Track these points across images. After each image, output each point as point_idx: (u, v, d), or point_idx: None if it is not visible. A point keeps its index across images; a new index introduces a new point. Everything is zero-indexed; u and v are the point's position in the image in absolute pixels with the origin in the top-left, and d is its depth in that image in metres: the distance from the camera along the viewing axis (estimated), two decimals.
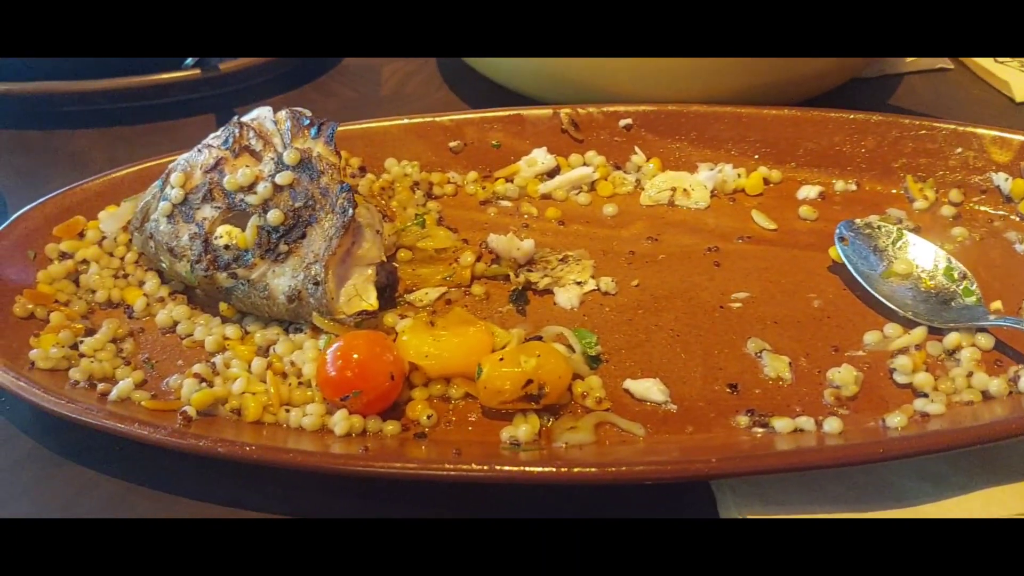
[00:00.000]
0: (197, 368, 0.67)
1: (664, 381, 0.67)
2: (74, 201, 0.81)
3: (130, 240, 0.79)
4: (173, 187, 0.75)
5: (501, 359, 0.63)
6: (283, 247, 0.70)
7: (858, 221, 0.79)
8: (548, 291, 0.77)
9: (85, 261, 0.78)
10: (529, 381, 0.62)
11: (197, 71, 1.02)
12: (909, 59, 1.10)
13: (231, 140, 0.75)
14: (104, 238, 0.80)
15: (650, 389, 0.66)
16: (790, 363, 0.68)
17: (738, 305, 0.75)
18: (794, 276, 0.78)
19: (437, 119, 0.92)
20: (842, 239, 0.78)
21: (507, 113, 0.92)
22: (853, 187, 0.88)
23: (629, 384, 0.67)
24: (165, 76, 1.02)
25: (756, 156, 0.90)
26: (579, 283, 0.77)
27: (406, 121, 0.91)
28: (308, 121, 0.75)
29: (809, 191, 0.87)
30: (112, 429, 0.61)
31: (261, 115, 0.77)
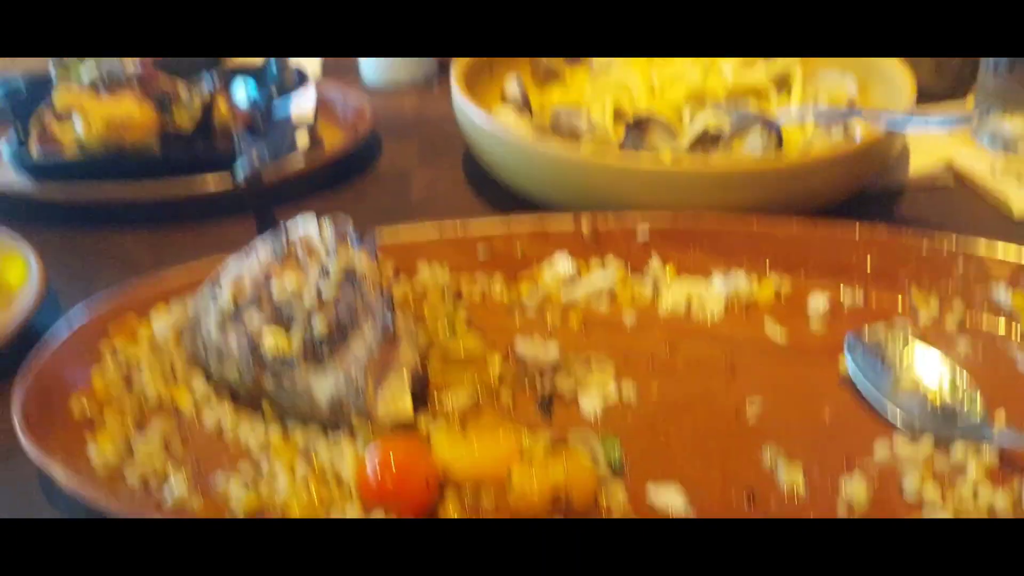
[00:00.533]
0: (242, 470, 0.71)
1: (684, 486, 0.70)
2: (127, 302, 0.87)
3: (180, 341, 0.84)
4: (223, 294, 0.80)
5: (530, 466, 0.67)
6: (326, 353, 0.75)
7: (865, 332, 0.84)
8: (572, 396, 0.81)
9: (137, 361, 0.83)
10: (557, 492, 0.65)
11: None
12: (911, 174, 1.16)
13: (279, 250, 0.81)
14: (155, 339, 0.85)
15: (671, 496, 0.69)
16: (803, 472, 0.72)
17: (753, 413, 0.79)
18: (806, 385, 0.82)
19: (465, 226, 0.98)
20: (851, 350, 0.82)
21: (530, 220, 0.98)
22: (860, 298, 0.93)
23: (651, 488, 0.70)
24: (212, 185, 1.08)
25: (768, 266, 0.96)
26: (601, 388, 0.82)
27: (437, 227, 0.97)
28: (351, 232, 0.80)
29: (819, 302, 0.92)
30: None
31: (306, 225, 0.83)
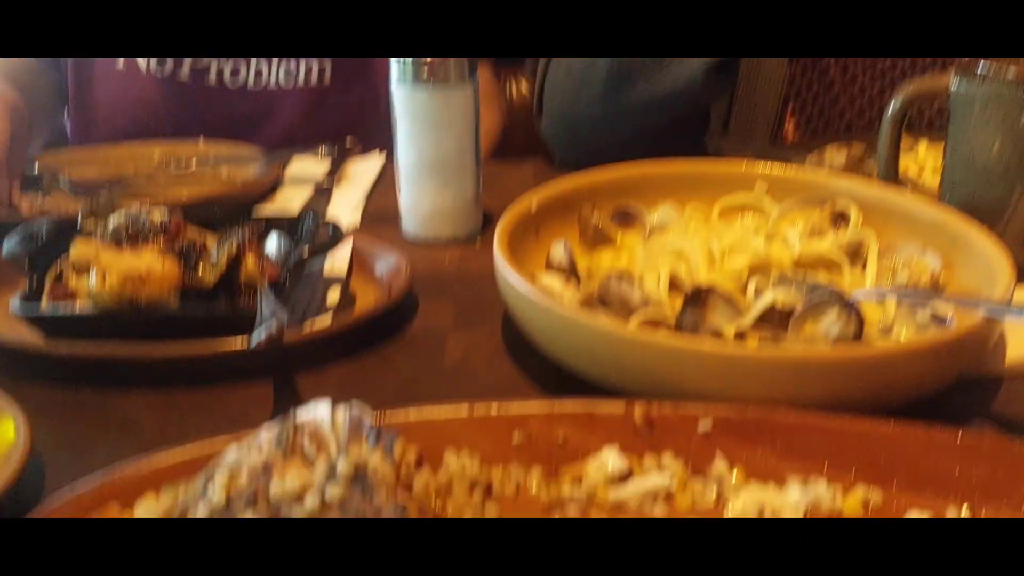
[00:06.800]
0: None
1: None
2: (112, 490, 0.76)
3: None
4: (216, 488, 0.69)
5: None
6: None
7: None
8: None
9: None
10: None
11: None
12: (1008, 362, 1.03)
13: (284, 441, 0.70)
14: None
15: None
16: None
17: None
18: None
19: (501, 411, 0.86)
20: None
21: (576, 408, 0.86)
22: (965, 516, 0.78)
23: None
24: (229, 346, 0.99)
25: (853, 471, 0.82)
26: None
27: (468, 412, 0.86)
28: (368, 427, 0.70)
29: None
30: None
31: (319, 415, 0.72)
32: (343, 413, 0.71)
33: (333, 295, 1.14)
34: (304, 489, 0.66)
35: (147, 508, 0.74)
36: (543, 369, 1.04)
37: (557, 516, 0.79)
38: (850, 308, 0.94)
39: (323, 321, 1.08)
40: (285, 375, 1.03)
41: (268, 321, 0.92)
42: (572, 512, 0.80)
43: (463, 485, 0.81)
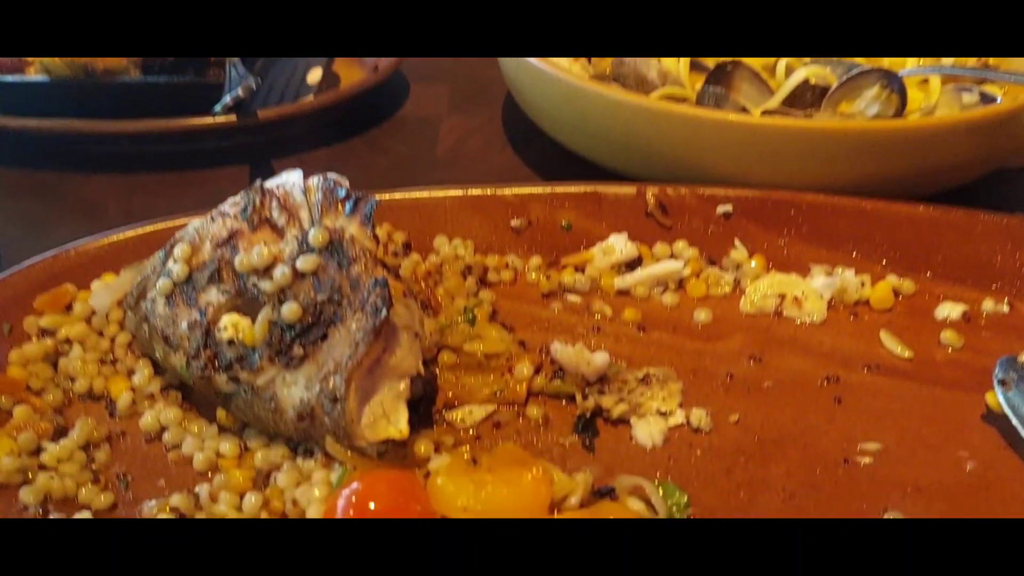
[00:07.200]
0: (175, 501, 0.53)
1: None
2: (66, 266, 0.69)
3: (124, 318, 0.66)
4: (176, 261, 0.61)
5: None
6: (298, 350, 0.56)
7: (1022, 358, 0.63)
8: (623, 421, 0.62)
9: (68, 340, 0.65)
10: None
11: (233, 117, 0.89)
12: None
13: (250, 209, 0.62)
14: (94, 313, 0.67)
15: None
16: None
17: (867, 460, 0.59)
18: (939, 424, 0.61)
19: (499, 192, 0.78)
20: (1003, 382, 0.61)
21: (582, 189, 0.78)
22: (1005, 308, 0.71)
23: None
24: (197, 121, 0.90)
25: (884, 261, 0.74)
26: (663, 413, 0.62)
27: (462, 193, 0.78)
28: (344, 193, 0.61)
29: (951, 310, 0.71)
30: None
31: (289, 181, 0.63)
32: (317, 180, 0.63)
33: (315, 74, 1.03)
34: (273, 260, 0.59)
35: (102, 287, 0.68)
36: (546, 156, 0.94)
37: (556, 306, 0.73)
38: (892, 84, 0.83)
39: (304, 100, 0.97)
40: (263, 159, 0.94)
41: (236, 87, 0.82)
42: (573, 300, 0.73)
43: (455, 270, 0.74)
